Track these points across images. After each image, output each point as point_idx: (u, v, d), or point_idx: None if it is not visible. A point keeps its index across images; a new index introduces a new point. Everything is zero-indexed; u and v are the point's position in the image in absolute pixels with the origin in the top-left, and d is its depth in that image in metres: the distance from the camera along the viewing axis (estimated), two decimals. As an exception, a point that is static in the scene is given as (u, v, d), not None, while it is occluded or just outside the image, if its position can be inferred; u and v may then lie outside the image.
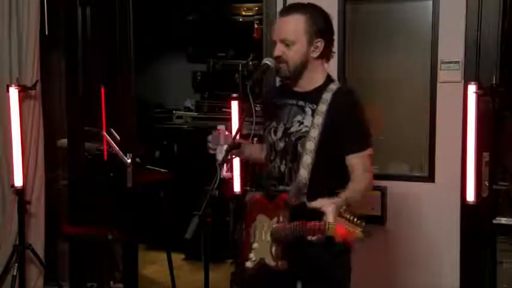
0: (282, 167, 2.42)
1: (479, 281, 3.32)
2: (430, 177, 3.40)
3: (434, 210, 3.40)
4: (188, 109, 5.88)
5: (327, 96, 2.36)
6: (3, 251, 3.99)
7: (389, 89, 3.57)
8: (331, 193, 2.27)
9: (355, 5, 3.55)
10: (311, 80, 2.42)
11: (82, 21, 4.24)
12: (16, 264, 3.82)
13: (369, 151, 2.42)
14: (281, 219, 2.29)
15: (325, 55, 2.43)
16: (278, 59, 2.37)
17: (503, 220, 3.30)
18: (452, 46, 3.30)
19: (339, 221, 2.08)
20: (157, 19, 5.52)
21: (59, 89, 4.40)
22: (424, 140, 3.42)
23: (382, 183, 3.47)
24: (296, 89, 2.45)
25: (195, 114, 5.68)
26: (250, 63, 5.21)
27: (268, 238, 2.31)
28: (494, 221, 3.29)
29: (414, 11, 3.49)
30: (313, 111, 2.37)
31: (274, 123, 2.47)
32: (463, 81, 3.27)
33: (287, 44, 2.35)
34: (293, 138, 2.38)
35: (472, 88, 3.16)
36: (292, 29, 2.35)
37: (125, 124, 4.20)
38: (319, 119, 2.34)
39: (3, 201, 4.04)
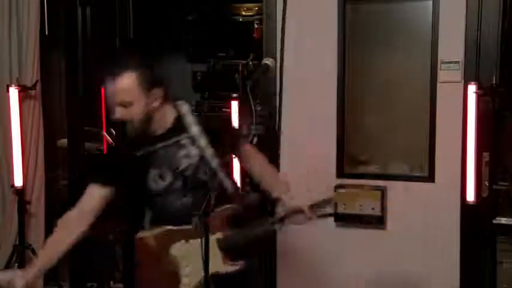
0: (190, 200, 2.44)
1: (479, 281, 3.33)
2: (430, 177, 3.40)
3: (434, 210, 3.40)
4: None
5: (194, 127, 2.44)
6: (3, 251, 3.99)
7: (389, 89, 3.57)
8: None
9: (355, 5, 3.55)
10: (165, 120, 2.45)
11: (82, 21, 4.23)
12: (16, 264, 3.83)
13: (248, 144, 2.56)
14: (226, 230, 2.41)
15: (167, 98, 2.44)
16: (122, 120, 2.36)
17: (503, 220, 3.30)
18: (452, 46, 3.30)
19: None
20: (157, 19, 5.51)
21: (59, 89, 4.40)
22: (424, 140, 3.42)
23: (382, 183, 3.47)
24: (152, 133, 2.44)
25: (195, 114, 5.67)
26: (250, 63, 5.20)
27: (216, 252, 2.39)
28: (494, 221, 3.29)
29: (414, 11, 3.49)
30: (191, 139, 2.43)
31: (154, 171, 2.44)
32: (463, 81, 3.27)
33: (125, 106, 2.34)
34: (189, 173, 2.42)
35: (472, 88, 3.17)
36: (126, 89, 2.32)
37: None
38: (202, 141, 2.41)
39: (3, 201, 4.05)
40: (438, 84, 3.35)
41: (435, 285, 3.41)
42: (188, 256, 2.42)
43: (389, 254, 3.50)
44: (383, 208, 3.46)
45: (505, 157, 3.40)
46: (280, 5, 3.62)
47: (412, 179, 3.47)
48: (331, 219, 3.53)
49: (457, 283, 3.36)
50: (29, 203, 3.97)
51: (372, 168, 3.59)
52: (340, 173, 3.53)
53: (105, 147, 4.17)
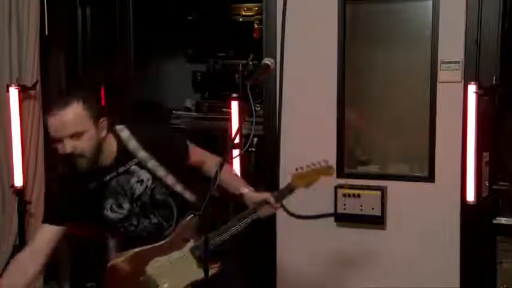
0: (154, 220, 2.46)
1: (479, 281, 3.32)
2: (430, 177, 3.40)
3: (434, 210, 3.40)
4: (188, 109, 5.88)
5: (141, 152, 2.42)
6: (3, 251, 3.99)
7: (389, 89, 3.57)
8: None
9: (355, 5, 3.55)
10: (111, 150, 2.43)
11: (82, 21, 4.24)
12: (16, 264, 3.82)
13: (190, 145, 2.60)
14: (197, 239, 2.41)
15: (110, 127, 2.44)
16: (72, 155, 2.33)
17: (503, 220, 3.29)
18: (452, 46, 3.30)
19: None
20: (157, 19, 5.51)
21: (59, 89, 4.40)
22: (424, 140, 3.42)
23: (382, 183, 3.47)
24: (105, 164, 2.42)
25: (195, 114, 5.67)
26: (250, 63, 5.20)
27: (191, 260, 2.42)
28: (494, 221, 3.29)
29: (414, 11, 3.49)
30: (139, 163, 2.42)
31: (110, 201, 2.43)
32: (463, 81, 3.27)
33: (77, 136, 2.30)
34: (146, 198, 2.43)
35: (472, 88, 3.17)
36: (76, 121, 2.28)
37: (125, 124, 4.18)
38: (151, 163, 2.41)
39: (3, 201, 4.05)
40: (438, 84, 3.35)
41: (435, 285, 3.41)
42: (165, 272, 2.44)
43: (390, 254, 3.50)
44: (383, 208, 3.46)
45: (505, 157, 3.39)
46: (280, 5, 3.62)
47: (412, 179, 3.47)
48: (332, 219, 3.54)
49: (457, 283, 3.36)
50: (29, 203, 3.97)
51: (372, 168, 3.59)
52: (340, 173, 3.53)
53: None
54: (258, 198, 2.46)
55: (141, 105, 5.28)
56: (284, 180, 3.53)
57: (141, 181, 2.42)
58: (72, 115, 2.27)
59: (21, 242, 3.88)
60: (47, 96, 4.17)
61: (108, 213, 2.44)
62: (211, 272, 2.36)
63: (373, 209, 3.45)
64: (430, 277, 3.42)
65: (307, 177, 2.53)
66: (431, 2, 3.35)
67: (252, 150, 3.87)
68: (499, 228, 3.29)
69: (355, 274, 3.58)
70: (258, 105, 3.81)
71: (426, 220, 3.42)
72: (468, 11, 3.25)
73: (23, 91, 3.86)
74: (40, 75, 4.01)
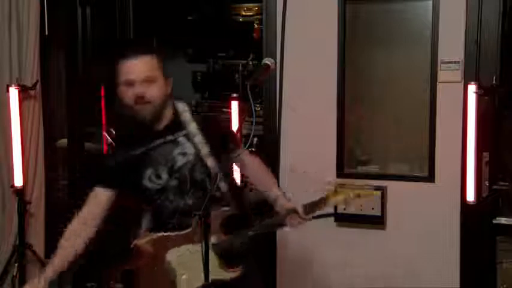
0: (189, 200, 2.41)
1: (479, 281, 3.32)
2: (430, 177, 3.40)
3: (434, 210, 3.40)
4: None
5: (191, 125, 2.42)
6: (3, 251, 3.99)
7: (389, 89, 3.57)
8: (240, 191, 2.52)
9: (355, 5, 3.55)
10: (165, 117, 2.44)
11: (82, 21, 4.24)
12: (16, 264, 3.83)
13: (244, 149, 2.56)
14: (222, 234, 2.35)
15: (171, 94, 2.46)
16: (141, 100, 2.33)
17: (503, 220, 3.29)
18: (452, 46, 3.30)
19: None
20: (157, 19, 5.51)
21: (59, 89, 4.40)
22: (424, 140, 3.42)
23: (382, 183, 3.47)
24: (151, 130, 2.43)
25: (195, 114, 5.66)
26: (250, 63, 5.20)
27: (212, 258, 2.29)
28: (494, 221, 3.29)
29: (414, 11, 3.49)
30: (187, 136, 2.41)
31: (150, 171, 2.42)
32: (463, 81, 3.27)
33: (149, 82, 2.33)
34: (186, 172, 2.39)
35: (472, 88, 3.17)
36: (150, 66, 2.35)
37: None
38: (199, 139, 2.39)
39: (3, 201, 4.05)
40: (438, 84, 3.35)
41: (435, 285, 3.41)
42: (185, 263, 2.38)
43: (389, 254, 3.50)
44: (383, 208, 3.46)
45: (505, 157, 3.39)
46: (280, 5, 3.62)
47: (412, 179, 3.47)
48: (331, 219, 3.54)
49: (457, 283, 3.36)
50: (29, 203, 3.97)
51: (372, 168, 3.59)
52: (340, 173, 3.53)
53: (105, 147, 4.17)
54: (289, 207, 2.40)
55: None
56: (284, 180, 3.54)
57: (184, 153, 2.39)
58: (146, 61, 2.35)
59: (21, 242, 3.88)
60: (47, 96, 4.17)
61: (147, 183, 2.41)
62: (232, 275, 2.34)
63: (373, 209, 3.45)
64: (430, 277, 3.42)
65: (343, 193, 2.42)
66: (431, 2, 3.35)
67: (252, 150, 3.88)
68: (499, 228, 3.29)
69: (355, 274, 3.58)
70: (258, 105, 3.81)
71: (426, 220, 3.42)
72: (468, 11, 3.25)
73: (23, 91, 3.86)
74: (40, 75, 4.01)
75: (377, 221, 3.48)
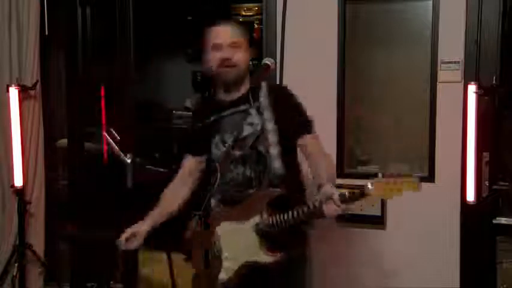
0: (248, 172, 2.44)
1: (479, 281, 3.32)
2: (430, 177, 3.40)
3: (434, 210, 3.40)
4: (188, 109, 5.87)
5: (264, 98, 2.44)
6: (3, 251, 3.99)
7: (389, 89, 3.57)
8: (297, 178, 2.46)
9: (355, 5, 3.55)
10: (243, 87, 2.50)
11: (82, 21, 4.24)
12: (16, 264, 3.83)
13: (315, 134, 2.51)
14: (265, 214, 2.33)
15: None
16: (227, 62, 2.41)
17: (503, 220, 3.29)
18: (452, 46, 3.30)
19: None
20: (157, 19, 5.51)
21: (59, 89, 4.40)
22: (424, 140, 3.42)
23: (382, 183, 3.46)
24: (226, 98, 2.49)
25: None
26: (250, 63, 5.21)
27: (254, 238, 2.34)
28: (494, 221, 3.29)
29: (414, 11, 3.49)
30: (258, 109, 2.43)
31: (217, 138, 2.47)
32: (463, 81, 3.27)
33: (236, 47, 2.43)
34: (250, 142, 2.42)
35: (472, 88, 3.17)
36: (239, 34, 2.47)
37: (125, 124, 4.19)
38: (267, 113, 2.41)
39: (3, 201, 4.05)
40: (438, 84, 3.35)
41: (435, 285, 3.41)
42: (227, 240, 2.40)
43: (390, 254, 3.50)
44: (383, 208, 3.46)
45: (505, 157, 3.39)
46: (280, 5, 3.62)
47: (412, 179, 3.46)
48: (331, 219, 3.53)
49: (457, 283, 3.36)
50: (29, 203, 3.97)
51: (372, 168, 3.59)
52: (340, 173, 3.53)
53: (105, 147, 4.17)
54: (327, 192, 2.24)
55: (141, 105, 5.29)
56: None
57: (251, 124, 2.43)
58: (234, 28, 2.50)
59: (21, 242, 3.88)
60: (47, 96, 4.17)
61: (214, 150, 2.48)
62: (268, 259, 2.31)
63: (373, 206, 3.44)
64: (430, 277, 3.42)
65: (386, 187, 2.29)
66: (431, 2, 3.35)
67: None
68: (499, 228, 3.29)
69: (355, 274, 3.58)
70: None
71: (426, 220, 3.42)
72: (468, 11, 3.25)
73: (23, 91, 3.86)
74: (40, 75, 4.01)
75: (377, 221, 3.48)
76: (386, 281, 3.50)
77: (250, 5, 5.42)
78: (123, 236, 2.49)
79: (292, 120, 2.44)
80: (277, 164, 2.38)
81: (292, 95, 2.54)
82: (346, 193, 2.21)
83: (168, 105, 6.05)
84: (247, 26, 2.60)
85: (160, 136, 5.65)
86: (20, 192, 3.88)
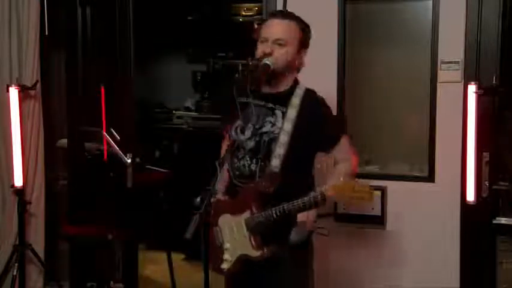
0: (253, 166, 2.47)
1: (479, 281, 3.32)
2: (430, 177, 3.40)
3: (434, 210, 3.40)
4: (188, 109, 5.89)
5: (296, 98, 2.46)
6: (3, 251, 3.99)
7: (389, 89, 3.57)
8: (299, 182, 2.43)
9: (355, 5, 3.55)
10: (282, 85, 2.50)
11: (82, 21, 4.23)
12: (16, 264, 3.83)
13: (343, 140, 2.52)
14: (254, 209, 2.38)
15: (301, 66, 2.54)
16: (267, 56, 2.42)
17: (503, 220, 3.29)
18: (452, 46, 3.30)
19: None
20: (157, 19, 5.52)
21: (59, 89, 4.40)
22: (424, 140, 3.42)
23: (382, 183, 3.47)
24: (265, 90, 2.50)
25: (195, 114, 5.68)
26: (250, 63, 5.21)
27: (244, 232, 2.39)
28: (494, 221, 3.29)
29: (414, 11, 3.49)
30: (283, 114, 2.44)
31: (240, 122, 2.51)
32: (463, 81, 3.27)
33: (280, 44, 2.43)
34: (266, 138, 2.45)
35: (472, 88, 3.16)
36: (288, 31, 2.45)
37: (125, 124, 4.19)
38: (288, 125, 2.42)
39: (3, 201, 4.05)
40: (438, 84, 3.35)
41: (435, 285, 3.41)
42: (228, 232, 2.44)
43: (389, 254, 3.50)
44: (383, 208, 3.46)
45: (505, 157, 3.39)
46: (280, 5, 3.62)
47: (412, 179, 3.47)
48: (332, 219, 3.54)
49: (457, 283, 3.36)
50: (29, 203, 3.97)
51: (372, 168, 3.59)
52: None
53: (105, 147, 4.17)
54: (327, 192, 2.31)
55: (141, 105, 5.29)
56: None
57: (273, 124, 2.45)
58: (287, 26, 2.46)
59: (21, 242, 3.88)
60: (47, 96, 4.17)
61: (233, 132, 2.51)
62: (257, 254, 2.35)
63: (373, 209, 3.45)
64: (430, 277, 3.42)
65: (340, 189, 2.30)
66: (431, 2, 3.35)
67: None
68: (499, 228, 3.29)
69: (355, 274, 3.58)
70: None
71: (426, 220, 3.42)
72: (468, 11, 3.25)
73: (23, 91, 3.86)
74: (40, 75, 4.01)
75: (377, 221, 3.48)
76: (386, 281, 3.50)
77: (250, 5, 5.43)
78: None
79: (317, 133, 2.45)
80: (275, 162, 2.41)
81: (324, 107, 2.53)
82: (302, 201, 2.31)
83: (168, 105, 6.06)
84: (304, 29, 2.53)
85: (161, 136, 5.67)
86: (20, 192, 3.88)
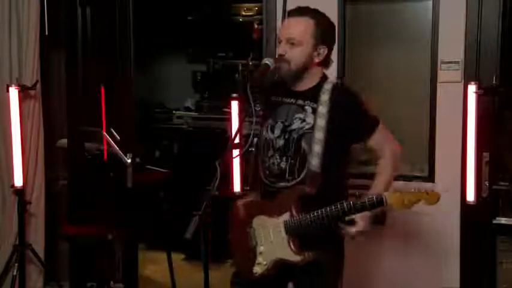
0: (283, 164, 2.44)
1: (479, 281, 3.32)
2: (430, 177, 3.40)
3: (434, 210, 3.39)
4: (188, 109, 5.89)
5: (325, 95, 2.42)
6: (3, 251, 3.99)
7: (389, 89, 3.57)
8: (339, 181, 2.45)
9: (355, 5, 3.55)
10: (308, 81, 2.47)
11: (82, 21, 4.23)
12: (16, 264, 3.83)
13: (380, 127, 2.51)
14: (294, 212, 2.34)
15: (326, 62, 2.49)
16: (280, 58, 2.40)
17: (503, 220, 3.29)
18: (452, 46, 3.30)
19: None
20: (157, 19, 5.52)
21: (59, 89, 4.40)
22: (424, 140, 3.42)
23: (382, 183, 3.46)
24: (292, 88, 2.49)
25: (195, 114, 5.68)
26: (250, 63, 5.21)
27: (283, 236, 2.34)
28: (494, 221, 3.28)
29: (414, 11, 3.49)
30: (314, 110, 2.41)
31: (270, 121, 2.49)
32: (463, 81, 3.27)
33: (292, 44, 2.40)
34: (295, 136, 2.42)
35: (472, 88, 3.16)
36: (300, 30, 2.40)
37: (125, 124, 4.20)
38: (323, 109, 2.38)
39: (3, 201, 4.05)
40: (438, 84, 3.35)
41: (435, 285, 3.41)
42: (262, 234, 2.40)
43: (389, 253, 3.50)
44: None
45: (505, 157, 3.39)
46: (280, 5, 3.62)
47: (412, 179, 3.47)
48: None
49: (457, 283, 3.36)
50: (29, 203, 3.97)
51: (372, 168, 3.58)
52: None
53: (105, 147, 4.17)
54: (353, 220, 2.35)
55: (141, 105, 5.29)
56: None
57: (303, 120, 2.42)
58: (301, 24, 2.40)
59: (21, 242, 3.88)
60: (47, 96, 4.17)
61: (264, 131, 2.49)
62: (297, 259, 2.30)
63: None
64: (430, 277, 3.42)
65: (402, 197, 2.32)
66: (431, 2, 3.35)
67: (252, 150, 3.86)
68: (499, 228, 3.29)
69: (355, 274, 3.58)
70: (258, 105, 3.80)
71: (426, 220, 3.42)
72: (468, 11, 3.25)
73: (23, 91, 3.86)
74: (40, 75, 4.01)
75: (377, 221, 3.47)
76: (386, 281, 3.50)
77: (250, 5, 5.43)
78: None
79: (352, 124, 2.42)
80: (315, 162, 2.36)
81: (354, 98, 2.49)
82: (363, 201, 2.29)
83: (168, 105, 6.07)
84: (321, 24, 2.47)
85: (161, 136, 5.67)
86: (20, 192, 3.88)
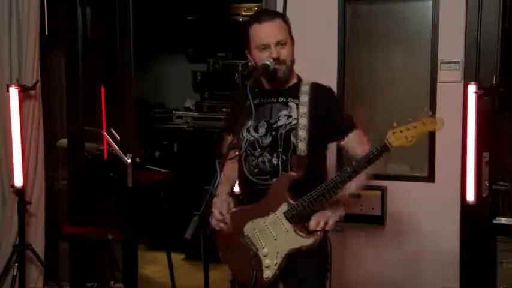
0: (274, 161, 2.46)
1: (479, 281, 3.32)
2: (430, 177, 3.40)
3: (434, 210, 3.40)
4: (188, 109, 5.89)
5: (305, 89, 2.50)
6: (3, 251, 4.00)
7: (389, 89, 3.57)
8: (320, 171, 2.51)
9: (355, 5, 3.55)
10: (289, 79, 2.53)
11: (82, 21, 4.23)
12: (16, 264, 3.83)
13: (355, 129, 2.56)
14: (290, 200, 2.36)
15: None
16: (276, 61, 2.43)
17: (503, 220, 3.29)
18: (452, 46, 3.30)
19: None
20: (157, 19, 5.52)
21: (59, 89, 4.40)
22: (424, 140, 3.41)
23: (382, 183, 3.47)
24: (270, 88, 2.53)
25: (195, 114, 5.68)
26: (250, 63, 5.21)
27: (285, 227, 2.36)
28: (494, 221, 3.28)
29: (414, 11, 3.49)
30: (297, 104, 2.47)
31: (251, 122, 2.50)
32: (463, 81, 3.27)
33: (282, 45, 2.44)
34: (282, 131, 2.45)
35: (472, 88, 3.16)
36: (282, 31, 2.46)
37: (125, 124, 4.19)
38: (304, 109, 2.45)
39: (3, 201, 4.05)
40: (438, 84, 3.35)
41: (435, 286, 3.41)
42: (262, 236, 2.41)
43: (390, 254, 3.50)
44: (383, 208, 3.46)
45: (505, 157, 3.39)
46: (280, 5, 3.62)
47: (412, 179, 3.47)
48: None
49: (457, 283, 3.36)
50: (29, 203, 3.98)
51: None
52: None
53: (105, 147, 4.18)
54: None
55: (141, 105, 5.29)
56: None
57: (289, 116, 2.46)
58: (279, 25, 2.46)
59: (21, 242, 3.88)
60: (47, 96, 4.17)
61: (245, 133, 2.50)
62: (311, 241, 2.33)
63: (373, 209, 3.45)
64: (430, 277, 3.42)
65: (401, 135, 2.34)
66: (431, 2, 3.35)
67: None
68: (499, 228, 3.28)
69: (355, 274, 3.58)
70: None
71: (426, 220, 3.42)
72: (468, 11, 3.25)
73: (23, 91, 3.86)
74: (40, 75, 4.01)
75: (377, 221, 3.48)
76: (386, 281, 3.50)
77: (250, 5, 5.42)
78: (216, 224, 2.45)
79: (330, 122, 2.48)
80: (301, 146, 2.41)
81: (334, 96, 2.61)
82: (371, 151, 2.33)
83: (168, 105, 6.07)
84: (288, 21, 2.55)
85: (161, 136, 5.67)
86: (20, 192, 3.88)
